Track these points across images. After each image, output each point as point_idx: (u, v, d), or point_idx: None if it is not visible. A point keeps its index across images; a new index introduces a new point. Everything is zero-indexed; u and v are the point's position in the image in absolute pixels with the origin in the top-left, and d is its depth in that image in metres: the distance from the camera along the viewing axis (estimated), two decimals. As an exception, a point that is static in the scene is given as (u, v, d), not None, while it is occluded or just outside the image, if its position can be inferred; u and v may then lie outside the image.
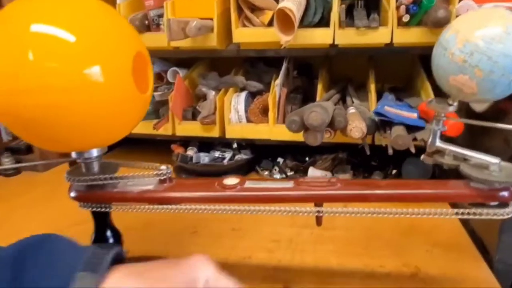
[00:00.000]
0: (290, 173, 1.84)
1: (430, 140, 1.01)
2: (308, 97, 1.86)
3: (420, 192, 0.89)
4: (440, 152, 1.02)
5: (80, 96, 0.73)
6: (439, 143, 1.00)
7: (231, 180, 0.92)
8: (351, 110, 1.54)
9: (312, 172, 1.79)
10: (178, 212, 0.91)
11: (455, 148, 0.95)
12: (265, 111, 1.79)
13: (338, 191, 0.89)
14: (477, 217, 0.85)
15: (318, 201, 0.90)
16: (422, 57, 1.78)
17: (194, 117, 1.84)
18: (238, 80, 1.85)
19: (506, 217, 0.84)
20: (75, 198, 0.92)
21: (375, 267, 1.13)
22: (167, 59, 2.01)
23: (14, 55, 0.70)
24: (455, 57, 0.83)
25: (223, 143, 1.92)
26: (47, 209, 1.53)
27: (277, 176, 1.83)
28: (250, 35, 1.69)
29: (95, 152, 0.89)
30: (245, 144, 1.90)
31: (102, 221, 0.97)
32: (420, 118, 1.42)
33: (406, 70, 1.98)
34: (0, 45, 0.71)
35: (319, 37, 1.59)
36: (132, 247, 1.10)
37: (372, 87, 1.69)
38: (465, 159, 0.94)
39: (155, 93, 1.84)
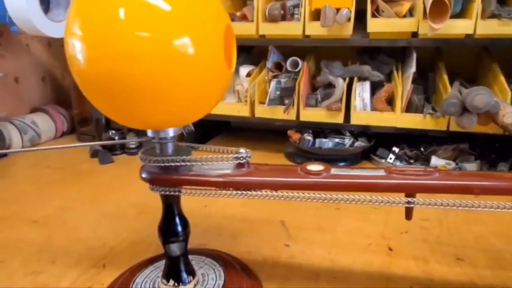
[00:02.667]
0: (411, 161, 1.66)
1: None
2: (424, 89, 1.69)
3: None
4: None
5: (169, 66, 0.61)
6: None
7: (316, 166, 0.73)
8: (495, 98, 1.37)
9: (435, 161, 1.58)
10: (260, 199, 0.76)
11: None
12: (388, 100, 1.64)
13: (437, 181, 0.68)
14: None
15: (413, 191, 0.69)
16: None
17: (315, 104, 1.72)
18: (365, 69, 1.67)
19: None
20: (147, 180, 0.77)
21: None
22: (278, 49, 1.87)
23: (107, 20, 0.60)
24: None
25: (335, 131, 1.78)
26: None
27: (397, 163, 1.65)
28: (385, 25, 1.56)
29: (171, 132, 0.75)
30: (357, 132, 1.75)
31: (172, 207, 0.82)
32: None
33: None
34: (93, 10, 0.62)
35: (460, 27, 1.46)
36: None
37: (502, 79, 1.48)
38: None
39: (282, 80, 1.73)
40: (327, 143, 1.71)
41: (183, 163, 0.74)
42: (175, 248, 0.82)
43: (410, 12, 1.54)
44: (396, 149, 1.69)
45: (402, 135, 1.67)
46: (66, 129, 2.22)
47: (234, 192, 0.75)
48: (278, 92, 1.70)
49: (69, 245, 1.13)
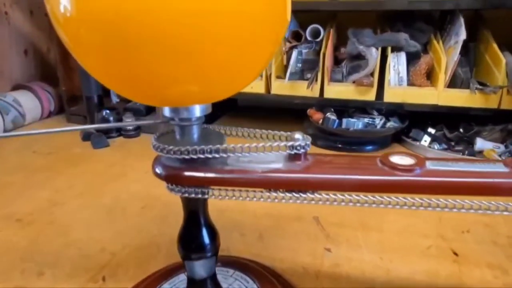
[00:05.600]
0: (452, 143, 1.47)
1: None
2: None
3: None
4: None
5: (203, 7, 0.40)
6: None
7: (402, 159, 0.53)
8: None
9: (482, 144, 1.40)
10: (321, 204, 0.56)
11: None
12: (429, 73, 1.45)
13: None
14: None
15: None
16: None
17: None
18: (401, 38, 1.46)
19: None
20: (164, 177, 0.56)
21: None
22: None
23: None
24: None
25: (360, 109, 1.58)
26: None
27: (436, 147, 1.46)
28: None
29: (197, 111, 0.54)
30: (386, 111, 1.56)
31: (197, 213, 0.61)
32: None
33: None
34: None
35: None
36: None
37: None
38: None
39: (304, 51, 1.53)
40: (356, 123, 1.50)
41: (215, 155, 0.53)
42: (199, 269, 0.61)
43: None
44: (432, 130, 1.49)
45: (436, 115, 1.49)
46: (53, 109, 2.00)
47: (288, 195, 0.54)
48: (299, 65, 1.49)
49: (60, 250, 0.92)
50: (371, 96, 1.45)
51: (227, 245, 0.91)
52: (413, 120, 1.55)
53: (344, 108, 1.58)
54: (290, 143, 0.53)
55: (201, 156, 0.53)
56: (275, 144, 0.53)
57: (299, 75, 1.52)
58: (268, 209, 1.07)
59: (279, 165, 0.54)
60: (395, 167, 0.51)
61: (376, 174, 0.51)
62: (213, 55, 0.44)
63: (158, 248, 0.91)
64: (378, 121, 1.51)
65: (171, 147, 0.53)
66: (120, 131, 1.67)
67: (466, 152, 1.39)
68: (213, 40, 0.43)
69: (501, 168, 0.51)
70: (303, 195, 0.54)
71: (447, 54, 1.38)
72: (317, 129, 1.56)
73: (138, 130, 1.67)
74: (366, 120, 1.52)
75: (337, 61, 1.60)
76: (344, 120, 1.52)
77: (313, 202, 0.54)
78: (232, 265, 0.78)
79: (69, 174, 1.34)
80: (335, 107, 1.57)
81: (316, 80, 1.48)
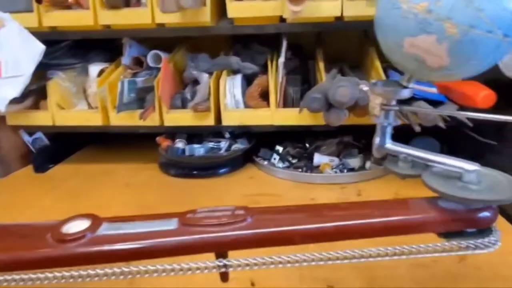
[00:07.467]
0: (294, 161, 1.49)
1: (377, 140, 0.71)
2: (305, 79, 1.54)
3: (366, 223, 0.54)
4: (393, 156, 0.73)
5: None
6: (390, 145, 0.71)
7: (76, 225, 0.49)
8: (364, 87, 1.25)
9: (319, 158, 1.43)
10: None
11: (412, 150, 0.68)
12: (264, 94, 1.44)
13: (247, 231, 0.48)
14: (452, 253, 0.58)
15: (216, 249, 0.48)
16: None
17: (183, 104, 1.48)
18: (233, 61, 1.47)
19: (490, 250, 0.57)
20: None
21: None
22: (144, 41, 1.61)
23: None
24: (411, 7, 0.51)
25: (213, 133, 1.55)
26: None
27: (280, 165, 1.47)
28: (246, 9, 1.35)
29: None
30: (237, 132, 1.54)
31: None
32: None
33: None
34: None
35: (327, 9, 1.31)
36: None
37: (378, 64, 1.39)
38: (427, 165, 0.66)
39: (138, 79, 1.47)
40: (198, 149, 1.48)
41: None
42: None
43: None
44: (280, 148, 1.50)
45: (288, 133, 1.50)
46: None
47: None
48: (133, 94, 1.43)
49: None
50: (210, 121, 1.42)
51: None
52: (267, 138, 1.55)
53: (196, 132, 1.55)
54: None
55: None
56: None
57: (137, 104, 1.45)
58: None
59: None
60: (62, 238, 0.47)
61: (40, 248, 0.48)
62: None
63: None
64: (224, 144, 1.50)
65: None
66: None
67: (305, 168, 1.41)
68: None
69: (172, 225, 0.48)
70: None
71: (278, 75, 1.38)
72: (167, 158, 1.52)
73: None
74: (210, 144, 1.50)
75: (185, 86, 1.56)
76: (187, 147, 1.49)
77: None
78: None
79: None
80: (185, 132, 1.55)
81: (154, 108, 1.43)
